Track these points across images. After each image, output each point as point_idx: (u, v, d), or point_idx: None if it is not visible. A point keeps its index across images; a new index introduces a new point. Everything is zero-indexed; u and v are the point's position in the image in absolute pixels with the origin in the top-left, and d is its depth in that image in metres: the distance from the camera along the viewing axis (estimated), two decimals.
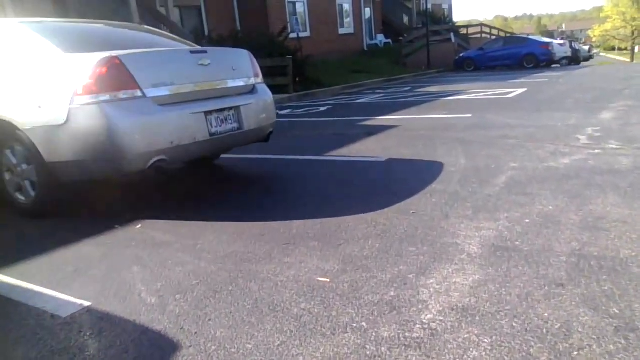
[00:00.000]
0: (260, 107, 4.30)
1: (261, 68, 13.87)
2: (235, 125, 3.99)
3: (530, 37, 25.28)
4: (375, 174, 4.21)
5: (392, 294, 2.05)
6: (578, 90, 9.80)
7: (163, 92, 3.47)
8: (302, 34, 20.01)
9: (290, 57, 13.28)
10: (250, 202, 3.66)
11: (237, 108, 4.01)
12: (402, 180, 3.94)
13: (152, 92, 3.40)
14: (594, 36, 57.99)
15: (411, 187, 3.67)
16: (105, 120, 3.23)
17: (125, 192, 4.27)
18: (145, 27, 4.82)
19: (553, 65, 21.16)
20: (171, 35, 4.87)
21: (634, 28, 49.12)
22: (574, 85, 10.90)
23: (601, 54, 60.68)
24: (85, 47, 3.55)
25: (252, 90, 4.30)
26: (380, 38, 26.65)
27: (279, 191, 3.93)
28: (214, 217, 3.34)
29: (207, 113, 3.73)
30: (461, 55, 23.36)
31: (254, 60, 4.46)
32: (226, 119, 3.92)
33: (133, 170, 3.42)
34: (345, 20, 24.20)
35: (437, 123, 6.70)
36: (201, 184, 4.47)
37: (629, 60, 46.38)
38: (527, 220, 2.77)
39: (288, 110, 10.13)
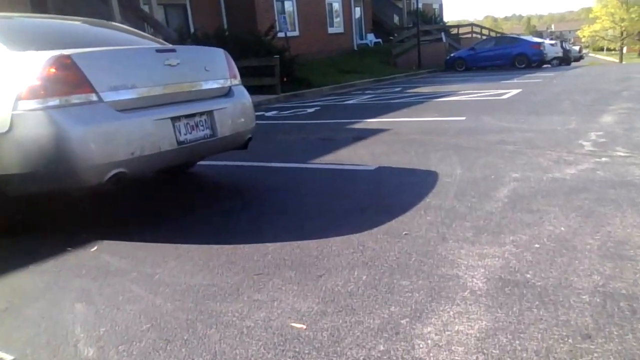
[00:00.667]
0: (237, 111, 3.90)
1: (247, 68, 13.47)
2: (208, 131, 3.59)
3: (521, 37, 25.07)
4: (363, 185, 3.83)
5: (381, 347, 1.67)
6: (574, 91, 9.50)
7: (123, 95, 3.06)
8: (290, 33, 19.61)
9: (278, 56, 12.87)
10: (223, 220, 3.26)
11: (209, 113, 3.61)
12: (393, 192, 3.56)
13: (109, 96, 2.99)
14: (583, 37, 58.20)
15: (403, 201, 3.29)
16: (54, 129, 2.82)
17: (84, 207, 3.85)
18: (113, 23, 4.41)
19: (544, 66, 20.97)
20: (142, 33, 4.46)
21: (623, 29, 49.32)
22: (569, 86, 10.61)
23: (590, 54, 60.91)
24: (35, 45, 3.13)
25: (227, 92, 3.90)
26: (371, 38, 26.31)
27: (256, 206, 3.53)
28: (180, 237, 2.94)
29: (175, 119, 3.32)
30: (452, 55, 23.10)
31: (231, 60, 4.06)
32: (197, 125, 3.52)
33: (88, 184, 3.01)
34: (335, 20, 23.82)
35: (430, 126, 6.34)
36: (170, 197, 4.06)
37: (617, 60, 46.49)
38: (536, 245, 2.41)
39: (274, 112, 9.73)
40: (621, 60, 46.53)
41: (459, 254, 2.38)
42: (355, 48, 24.63)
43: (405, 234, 2.69)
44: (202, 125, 3.56)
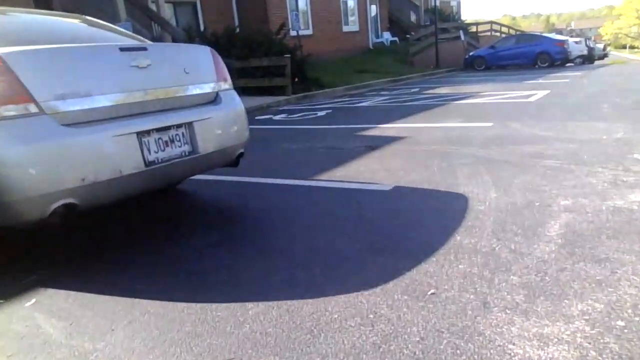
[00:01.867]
0: (225, 121, 3.25)
1: (257, 68, 12.71)
2: (187, 148, 2.94)
3: (544, 34, 24.06)
4: (376, 213, 3.14)
5: None
6: (610, 92, 8.68)
7: (72, 106, 2.43)
8: (303, 32, 18.97)
9: (289, 55, 12.22)
10: (198, 263, 2.61)
11: (189, 125, 2.96)
12: (414, 225, 2.88)
13: (54, 107, 2.36)
14: (605, 34, 56.65)
15: (426, 238, 2.61)
16: None
17: (32, 242, 3.23)
18: (87, 17, 3.79)
19: (567, 64, 19.99)
20: (122, 30, 3.82)
21: None
22: (602, 87, 9.77)
23: (612, 52, 59.35)
24: None
25: (214, 99, 3.25)
26: (387, 36, 25.53)
27: (241, 241, 2.87)
28: (142, 286, 2.29)
29: (143, 134, 2.69)
30: (471, 53, 22.21)
31: (219, 59, 3.41)
32: (173, 141, 2.88)
33: (26, 220, 2.38)
34: (350, 18, 23.09)
35: (453, 134, 5.62)
36: (137, 227, 3.42)
37: None
38: (619, 324, 1.70)
39: (283, 115, 9.08)
40: None
41: (509, 334, 1.69)
42: (371, 47, 23.88)
43: (432, 293, 2.01)
44: (180, 140, 2.92)
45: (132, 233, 3.18)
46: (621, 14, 49.22)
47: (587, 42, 24.61)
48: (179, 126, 2.91)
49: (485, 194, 3.28)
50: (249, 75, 12.75)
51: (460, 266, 2.24)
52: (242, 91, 12.95)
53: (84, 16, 3.75)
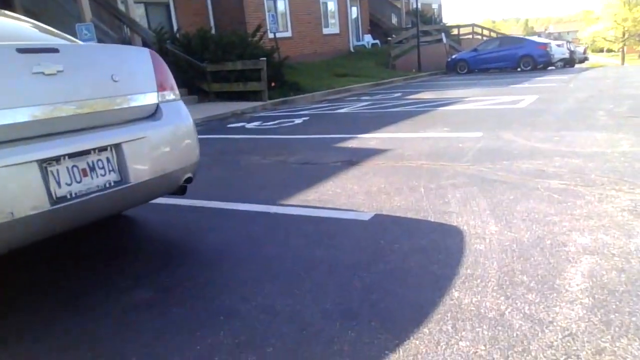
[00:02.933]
0: (167, 140, 2.64)
1: (231, 72, 11.97)
2: (113, 177, 2.33)
3: (527, 37, 23.85)
4: (351, 255, 2.56)
5: None
6: (602, 98, 8.25)
7: None
8: (282, 34, 18.40)
9: (265, 59, 11.60)
10: (110, 342, 1.99)
11: (116, 147, 2.35)
12: (398, 273, 2.30)
13: None
14: (581, 38, 57.21)
15: (414, 295, 2.03)
16: None
17: None
18: (7, 12, 3.13)
19: (549, 68, 19.75)
20: (46, 27, 3.17)
21: (625, 29, 48.28)
22: (591, 92, 9.36)
23: (590, 55, 59.97)
24: None
25: (153, 113, 2.65)
26: (368, 39, 25.06)
27: (177, 301, 2.26)
28: None
29: (48, 161, 2.07)
30: (454, 57, 21.85)
31: (162, 64, 2.80)
32: (93, 168, 2.26)
33: None
34: (330, 20, 22.55)
35: (439, 146, 5.08)
36: (50, 273, 2.79)
37: (619, 62, 45.43)
38: None
39: (257, 123, 8.46)
40: (623, 61, 45.51)
41: None
42: (352, 50, 23.37)
43: None
44: (103, 168, 2.30)
45: (37, 286, 2.55)
46: (599, 18, 49.68)
47: (569, 46, 24.52)
48: (102, 149, 2.29)
49: (484, 226, 2.72)
50: (223, 79, 12.11)
51: (461, 343, 1.67)
52: (217, 96, 12.32)
53: (3, 11, 3.09)
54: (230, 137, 7.16)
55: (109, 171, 2.32)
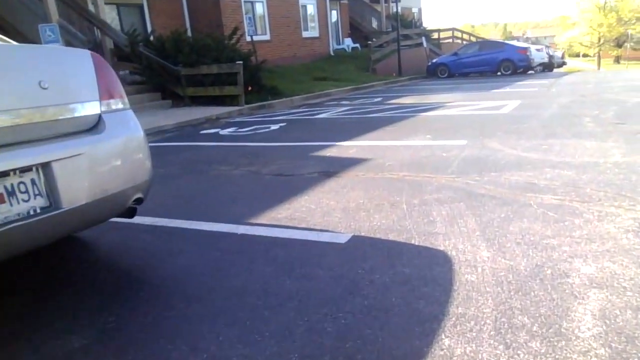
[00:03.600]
0: (110, 156, 2.28)
1: (206, 76, 11.52)
2: (40, 202, 1.96)
3: (507, 42, 23.92)
4: (325, 286, 2.22)
5: None
6: (586, 103, 8.09)
7: None
8: (261, 37, 18.08)
9: (241, 62, 11.23)
10: None
11: (44, 167, 1.98)
12: (377, 311, 1.97)
13: None
14: (558, 42, 58.04)
15: (396, 342, 1.71)
16: None
17: None
18: None
19: (529, 72, 19.77)
20: None
21: (600, 34, 49.08)
22: (574, 96, 9.21)
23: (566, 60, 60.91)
24: None
25: (93, 126, 2.28)
26: (348, 42, 24.83)
27: (113, 347, 1.90)
28: None
29: None
30: (434, 61, 21.76)
31: (106, 69, 2.43)
32: (13, 193, 1.89)
33: None
34: (310, 24, 22.26)
35: (422, 155, 4.79)
36: None
37: (595, 67, 46.11)
38: None
39: (231, 129, 8.08)
40: (599, 66, 46.22)
41: None
42: (332, 53, 23.11)
43: None
44: (27, 192, 1.93)
45: None
46: (575, 23, 50.44)
47: (547, 50, 24.66)
48: (24, 170, 1.92)
49: (475, 251, 2.41)
50: (198, 83, 11.71)
51: None
52: (192, 101, 11.89)
53: None
54: (202, 145, 6.78)
55: (35, 195, 1.95)
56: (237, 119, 9.74)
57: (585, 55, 63.30)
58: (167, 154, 6.27)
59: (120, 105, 2.47)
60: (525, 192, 3.31)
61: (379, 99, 11.67)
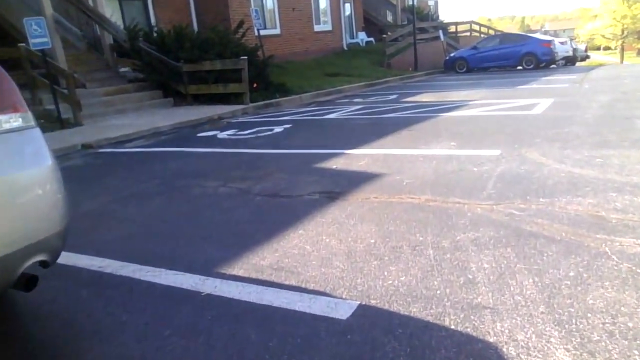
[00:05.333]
0: None
1: (209, 72, 10.54)
2: None
3: (529, 34, 22.77)
4: None
5: None
6: (630, 102, 7.12)
7: None
8: (271, 31, 17.28)
9: (245, 57, 10.42)
10: None
11: None
12: None
13: None
14: (579, 35, 56.29)
15: None
16: None
17: None
18: None
19: (551, 66, 18.65)
20: None
21: (624, 26, 47.37)
22: (615, 94, 8.22)
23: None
24: None
25: None
26: (362, 36, 23.87)
27: None
28: None
29: None
30: (452, 55, 20.73)
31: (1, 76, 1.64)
32: None
33: None
34: (322, 17, 21.37)
35: (447, 170, 3.94)
36: None
37: (618, 60, 44.49)
38: None
39: (231, 131, 7.29)
40: (622, 59, 44.60)
41: None
42: (345, 47, 22.19)
43: None
44: None
45: None
46: (597, 15, 48.74)
47: (571, 43, 23.49)
48: None
49: (545, 350, 1.57)
50: (201, 80, 10.93)
51: None
52: (194, 99, 11.12)
53: None
54: (194, 152, 6.00)
55: None
56: (240, 119, 8.94)
57: (606, 48, 61.40)
58: (153, 162, 5.51)
59: (17, 124, 1.68)
60: (593, 231, 2.45)
61: (394, 97, 10.78)
